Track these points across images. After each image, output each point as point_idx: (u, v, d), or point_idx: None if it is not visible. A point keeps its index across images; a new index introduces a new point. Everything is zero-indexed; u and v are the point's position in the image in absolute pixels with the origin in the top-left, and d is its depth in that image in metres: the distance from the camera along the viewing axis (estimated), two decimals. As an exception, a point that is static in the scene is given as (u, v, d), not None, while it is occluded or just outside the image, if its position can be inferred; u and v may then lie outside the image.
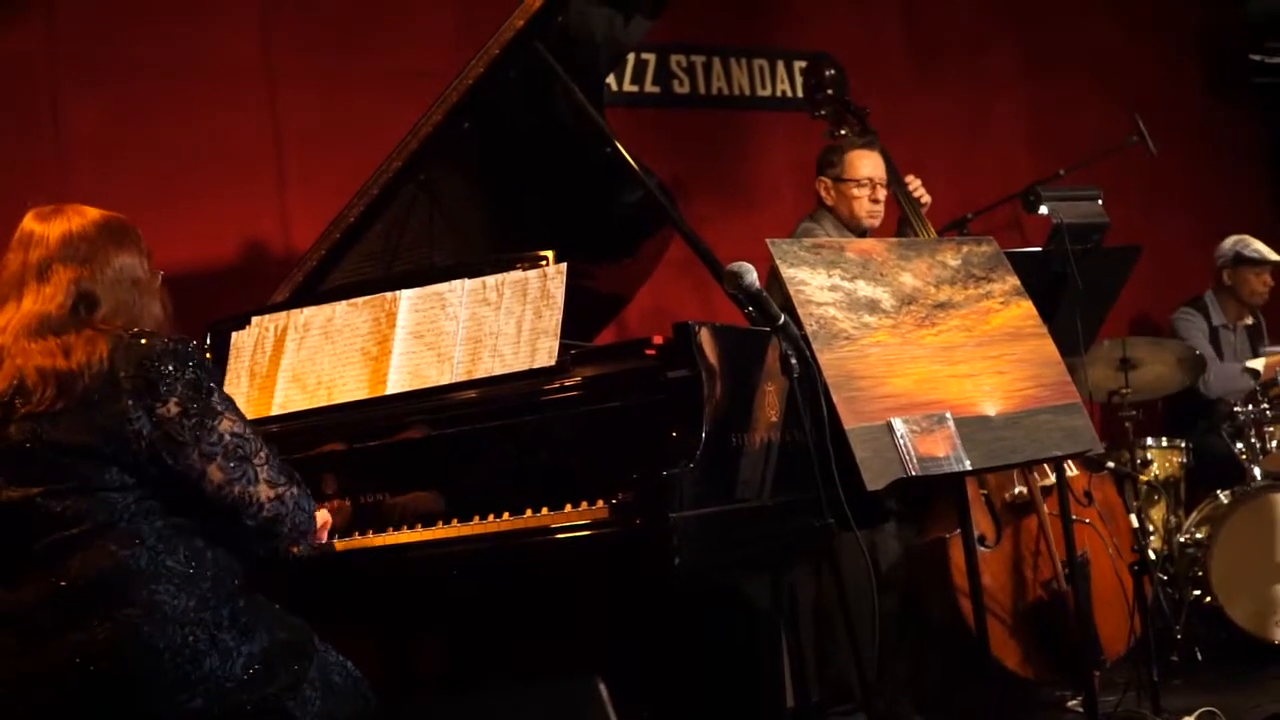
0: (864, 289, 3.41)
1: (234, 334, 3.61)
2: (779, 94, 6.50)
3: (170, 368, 2.67)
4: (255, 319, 3.62)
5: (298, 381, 3.49)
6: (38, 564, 2.64)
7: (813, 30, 6.55)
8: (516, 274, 3.42)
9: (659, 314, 5.35)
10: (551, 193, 4.02)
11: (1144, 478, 5.75)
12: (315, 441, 3.35)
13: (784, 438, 3.25)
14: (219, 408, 2.72)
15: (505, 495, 3.15)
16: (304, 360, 3.51)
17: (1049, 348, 3.58)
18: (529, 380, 3.27)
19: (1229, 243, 6.65)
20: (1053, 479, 4.69)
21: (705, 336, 3.08)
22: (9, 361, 2.69)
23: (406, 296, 3.48)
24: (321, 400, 3.45)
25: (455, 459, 3.28)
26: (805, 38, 6.47)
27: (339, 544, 3.19)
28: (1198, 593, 5.58)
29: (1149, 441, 5.93)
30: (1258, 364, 6.35)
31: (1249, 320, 6.77)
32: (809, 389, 3.06)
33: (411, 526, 3.20)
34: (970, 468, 3.29)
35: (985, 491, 4.74)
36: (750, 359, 3.23)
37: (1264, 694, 4.83)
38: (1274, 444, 5.83)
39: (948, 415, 3.30)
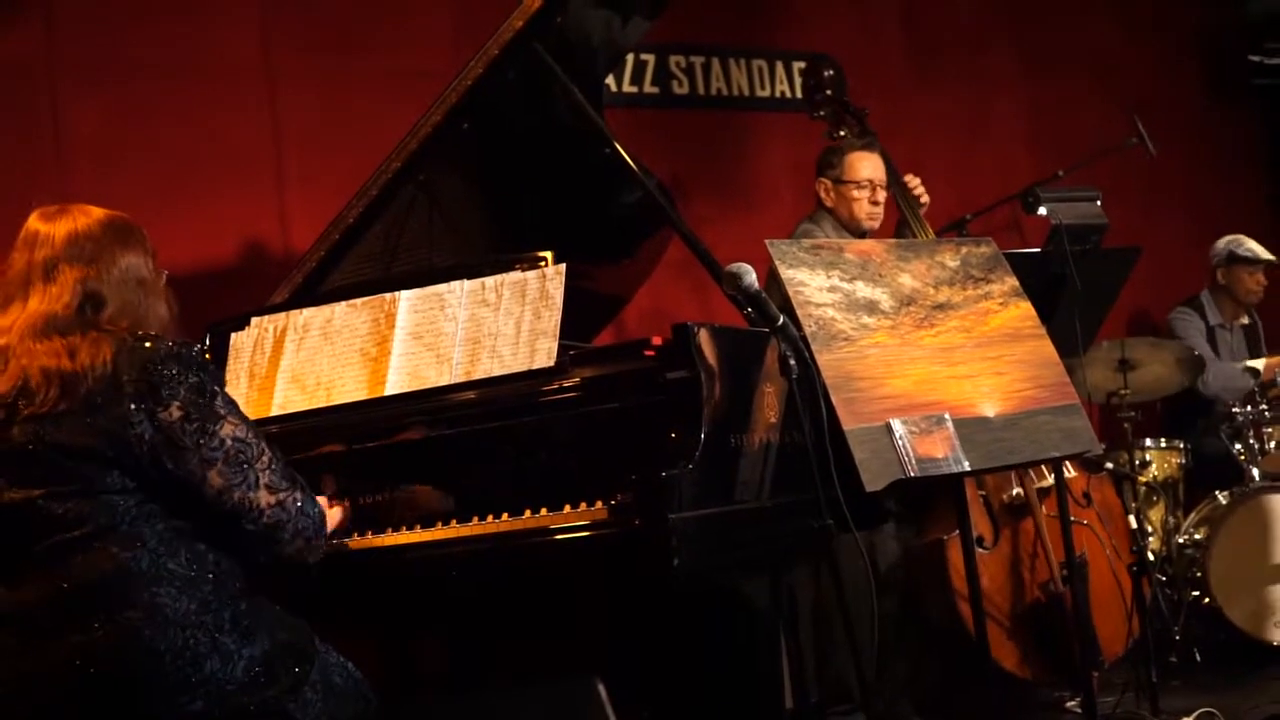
0: (863, 290, 3.41)
1: (233, 335, 3.61)
2: (778, 95, 6.50)
3: (173, 371, 2.67)
4: (254, 320, 3.62)
5: (297, 382, 3.49)
6: (39, 565, 2.64)
7: (812, 31, 6.55)
8: (515, 275, 3.42)
9: (658, 315, 5.35)
10: (550, 194, 4.03)
11: (1143, 479, 5.75)
12: (314, 442, 3.35)
13: (783, 439, 3.25)
14: (221, 412, 2.71)
15: (504, 496, 3.15)
16: (303, 361, 3.51)
17: (1048, 349, 3.58)
18: (528, 381, 3.27)
19: (1223, 242, 6.66)
20: (1051, 480, 4.70)
21: (704, 337, 3.08)
22: (14, 362, 2.69)
23: (405, 297, 3.48)
24: (321, 401, 3.45)
25: (454, 460, 3.28)
26: (804, 38, 6.47)
27: (338, 544, 3.18)
28: (1196, 593, 5.58)
29: (1148, 442, 5.93)
30: (1258, 363, 6.35)
31: (1245, 320, 6.77)
32: (808, 390, 3.07)
33: (410, 527, 3.20)
34: (969, 469, 3.29)
35: (984, 493, 4.75)
36: (749, 360, 3.23)
37: (1262, 694, 4.84)
38: (1272, 445, 5.83)
39: (946, 416, 3.30)
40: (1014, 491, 4.76)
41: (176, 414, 2.66)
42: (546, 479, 3.15)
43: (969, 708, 4.49)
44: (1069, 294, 4.17)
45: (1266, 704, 4.62)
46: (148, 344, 2.69)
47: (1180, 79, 7.77)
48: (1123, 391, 5.67)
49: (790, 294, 3.29)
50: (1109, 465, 5.20)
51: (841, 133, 5.07)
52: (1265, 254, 6.60)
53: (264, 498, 2.72)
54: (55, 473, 2.64)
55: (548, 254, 3.44)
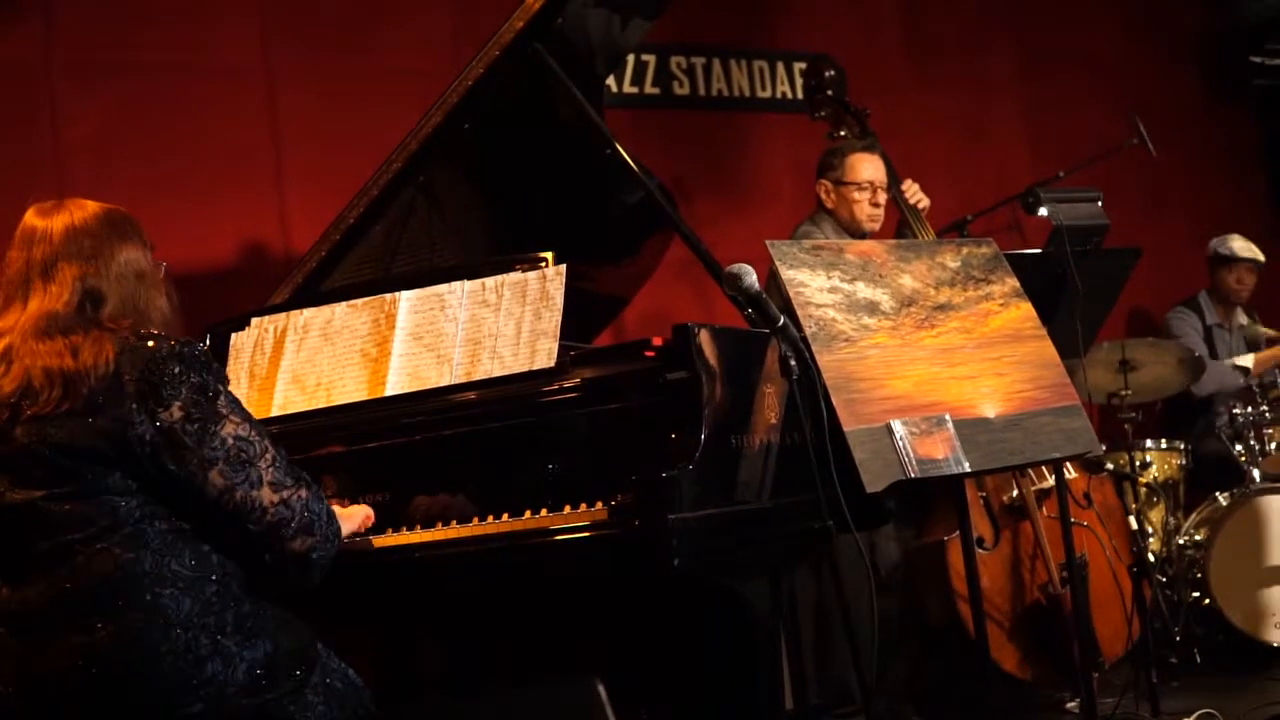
0: (863, 291, 3.41)
1: (233, 335, 3.61)
2: (779, 95, 6.50)
3: (175, 371, 2.66)
4: (255, 320, 3.62)
5: (297, 383, 3.49)
6: (42, 566, 2.64)
7: (812, 31, 6.55)
8: (516, 275, 3.41)
9: (658, 316, 5.35)
10: (551, 194, 4.03)
11: (1143, 480, 5.75)
12: (314, 443, 3.35)
13: (783, 439, 3.25)
14: (223, 411, 2.70)
15: (504, 497, 3.15)
16: (303, 361, 3.51)
17: (1048, 349, 3.58)
18: (528, 382, 3.27)
19: (1213, 242, 6.69)
20: (1051, 481, 4.70)
21: (705, 338, 3.08)
22: (18, 363, 2.68)
23: (406, 298, 3.48)
24: (321, 402, 3.45)
25: (454, 461, 3.27)
26: (805, 39, 6.47)
27: (360, 542, 3.17)
28: (1196, 594, 5.58)
29: (1148, 443, 5.93)
30: (1247, 360, 6.37)
31: (1243, 319, 6.78)
32: (808, 391, 3.06)
33: (410, 528, 3.20)
34: (969, 469, 3.29)
35: (984, 494, 4.75)
36: (750, 361, 3.23)
37: (1263, 696, 4.83)
38: (1273, 446, 5.83)
39: (947, 417, 3.30)
40: (1014, 493, 4.76)
41: (178, 414, 2.65)
42: (547, 479, 3.15)
43: (969, 708, 4.49)
44: (1070, 295, 4.17)
45: (1267, 705, 4.61)
46: (150, 343, 2.69)
47: (1180, 80, 7.77)
48: (1123, 392, 5.67)
49: (791, 295, 3.29)
50: (1109, 466, 5.20)
51: (842, 133, 5.07)
52: (1243, 252, 6.61)
53: (267, 495, 2.70)
54: (57, 473, 2.63)
55: (548, 254, 3.43)
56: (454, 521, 3.17)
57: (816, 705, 4.30)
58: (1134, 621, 4.68)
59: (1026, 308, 3.61)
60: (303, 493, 2.75)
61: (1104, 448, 5.28)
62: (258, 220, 5.16)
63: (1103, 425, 6.07)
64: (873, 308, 3.39)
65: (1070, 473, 4.79)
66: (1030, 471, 4.75)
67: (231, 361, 3.56)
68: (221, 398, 2.71)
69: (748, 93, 6.43)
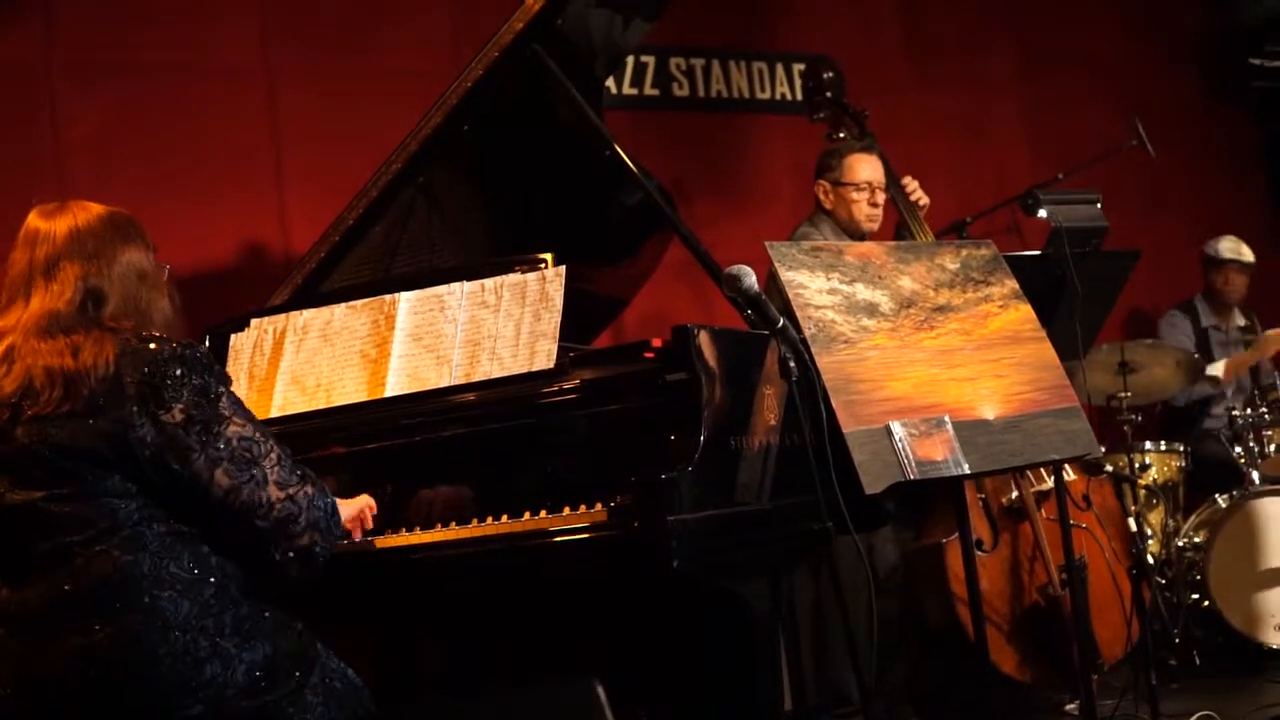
0: (863, 292, 3.41)
1: (233, 336, 3.61)
2: (778, 97, 6.50)
3: (177, 373, 2.66)
4: (254, 321, 3.62)
5: (297, 384, 3.49)
6: (41, 568, 2.64)
7: (811, 33, 6.55)
8: (515, 276, 3.41)
9: (657, 317, 5.35)
10: (550, 196, 4.03)
11: (1142, 482, 5.75)
12: (314, 444, 3.35)
13: (783, 441, 3.25)
14: (226, 413, 2.70)
15: (504, 498, 3.15)
16: (303, 362, 3.51)
17: (1048, 351, 3.58)
18: (528, 383, 3.27)
19: (1207, 244, 6.70)
20: (1050, 483, 4.70)
21: (704, 339, 3.08)
22: (19, 362, 2.68)
23: (405, 299, 3.48)
24: (320, 403, 3.45)
25: (454, 462, 3.27)
26: (804, 40, 6.48)
27: (362, 542, 3.17)
28: (1196, 596, 5.58)
29: (1147, 445, 5.93)
30: (1217, 369, 6.37)
31: (1241, 321, 6.78)
32: (808, 392, 3.06)
33: (410, 529, 3.20)
34: (969, 471, 3.29)
35: (983, 496, 4.75)
36: (749, 362, 3.23)
37: (1262, 697, 4.84)
38: (1272, 448, 5.83)
39: (946, 419, 3.29)
40: (1013, 495, 4.75)
41: (179, 416, 2.65)
42: (546, 481, 3.15)
43: (968, 710, 4.49)
44: (1069, 296, 4.17)
45: (1266, 707, 4.62)
46: (151, 345, 2.69)
47: (1180, 81, 7.77)
48: (1122, 394, 5.67)
49: (790, 296, 3.29)
50: (1109, 468, 5.20)
51: (841, 134, 5.07)
52: (1229, 253, 6.62)
53: (273, 493, 2.71)
54: (57, 475, 2.63)
55: (548, 256, 3.44)
56: (453, 523, 3.17)
57: (815, 706, 4.30)
58: (1133, 623, 4.68)
59: (1026, 309, 3.61)
60: (308, 489, 2.76)
61: (1103, 450, 5.28)
62: (257, 221, 5.16)
63: (1102, 427, 6.07)
64: (872, 309, 3.39)
65: (1069, 474, 4.79)
66: (1029, 473, 4.75)
67: (231, 362, 3.56)
68: (224, 399, 2.71)
69: (747, 94, 6.43)
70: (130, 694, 2.58)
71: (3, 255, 2.86)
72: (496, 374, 3.32)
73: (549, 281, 3.37)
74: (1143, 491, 5.73)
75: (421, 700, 3.66)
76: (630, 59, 5.97)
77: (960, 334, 3.48)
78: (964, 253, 3.67)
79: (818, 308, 3.31)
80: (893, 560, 4.63)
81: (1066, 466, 4.67)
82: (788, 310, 3.25)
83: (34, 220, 2.82)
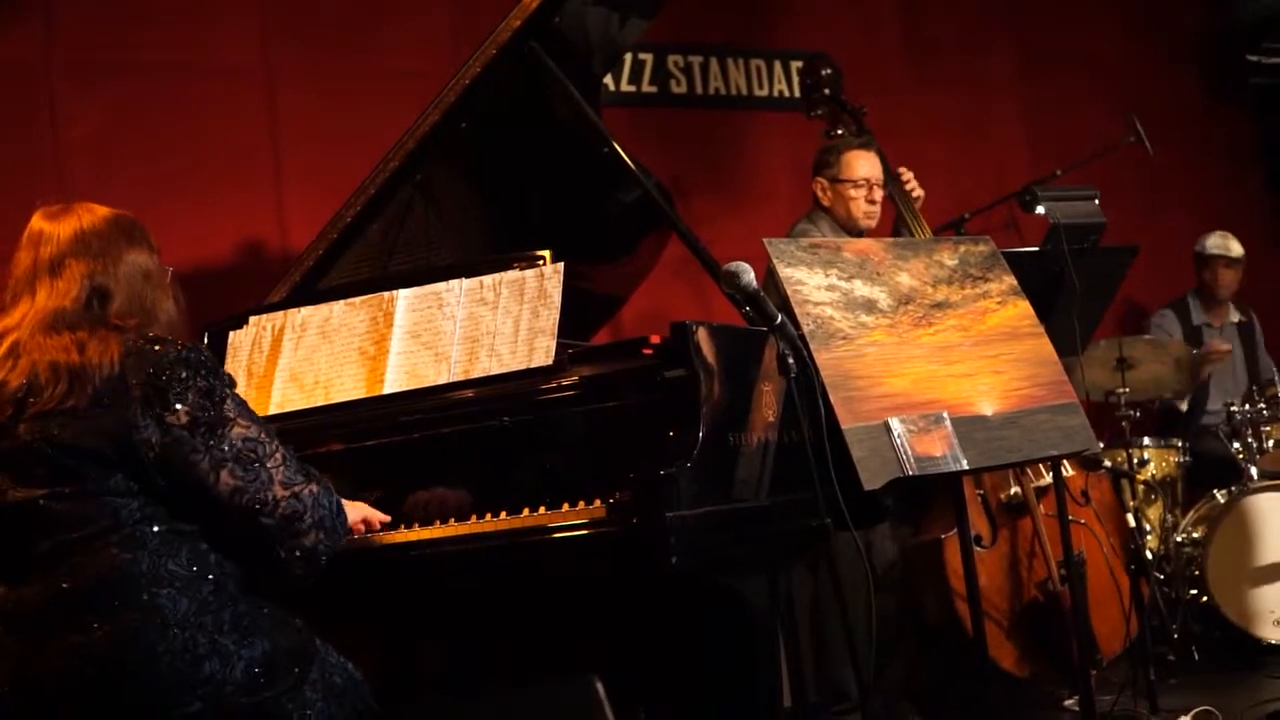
0: (861, 289, 3.42)
1: (231, 333, 3.61)
2: (776, 94, 6.51)
3: (182, 375, 2.67)
4: (253, 318, 3.62)
5: (295, 381, 3.49)
6: (41, 565, 2.64)
7: (810, 30, 6.56)
8: (514, 273, 3.42)
9: (656, 314, 5.35)
10: (548, 193, 4.03)
11: (1141, 477, 5.75)
12: (312, 441, 3.35)
13: (781, 437, 3.26)
14: (230, 415, 2.71)
15: (502, 495, 3.16)
16: (301, 360, 3.51)
17: (1046, 347, 3.58)
18: (526, 380, 3.27)
19: (1197, 240, 6.71)
20: (1048, 479, 4.70)
21: (703, 336, 3.08)
22: (25, 358, 2.69)
23: (404, 296, 3.49)
24: (319, 400, 3.45)
25: (452, 459, 3.28)
26: (802, 38, 6.48)
27: (362, 540, 3.17)
28: (1194, 592, 5.59)
29: (1146, 441, 5.94)
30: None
31: (1237, 318, 6.78)
32: (806, 389, 3.07)
33: (409, 526, 3.20)
34: (967, 467, 3.30)
35: (981, 492, 4.75)
36: (748, 359, 3.24)
37: (1260, 692, 4.84)
38: (1270, 443, 5.84)
39: (945, 415, 3.30)
40: (1012, 490, 4.76)
41: (184, 418, 2.66)
42: (545, 477, 3.15)
43: (967, 707, 4.49)
44: (1067, 293, 4.17)
45: (1264, 702, 4.62)
46: (156, 347, 2.69)
47: (1178, 79, 7.78)
48: (1121, 390, 5.68)
49: (788, 293, 3.29)
50: (1107, 464, 5.20)
51: (839, 132, 5.08)
52: (1215, 249, 6.62)
53: (278, 492, 2.71)
54: (59, 473, 2.64)
55: (546, 253, 3.44)
56: (452, 519, 3.18)
57: (814, 703, 4.30)
58: (1132, 619, 4.69)
59: (1024, 306, 3.62)
60: (313, 487, 2.77)
61: (1101, 445, 5.29)
62: (256, 219, 5.16)
63: (1100, 423, 6.08)
64: (870, 306, 3.40)
65: (1068, 470, 4.79)
66: (1028, 469, 4.75)
67: (229, 360, 3.57)
68: (228, 401, 2.72)
69: (745, 91, 6.44)
70: (129, 691, 2.58)
71: (2, 255, 2.86)
72: (495, 371, 3.32)
73: (547, 278, 3.37)
74: (1141, 487, 5.74)
75: (421, 698, 3.66)
76: (628, 56, 5.97)
77: (958, 330, 3.49)
78: (962, 249, 3.67)
79: (816, 304, 3.32)
80: (891, 556, 4.63)
81: (1065, 462, 4.68)
82: (786, 307, 3.25)
83: (38, 222, 2.82)
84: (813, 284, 3.35)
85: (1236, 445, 5.86)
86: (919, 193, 5.01)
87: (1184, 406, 6.44)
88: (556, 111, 3.87)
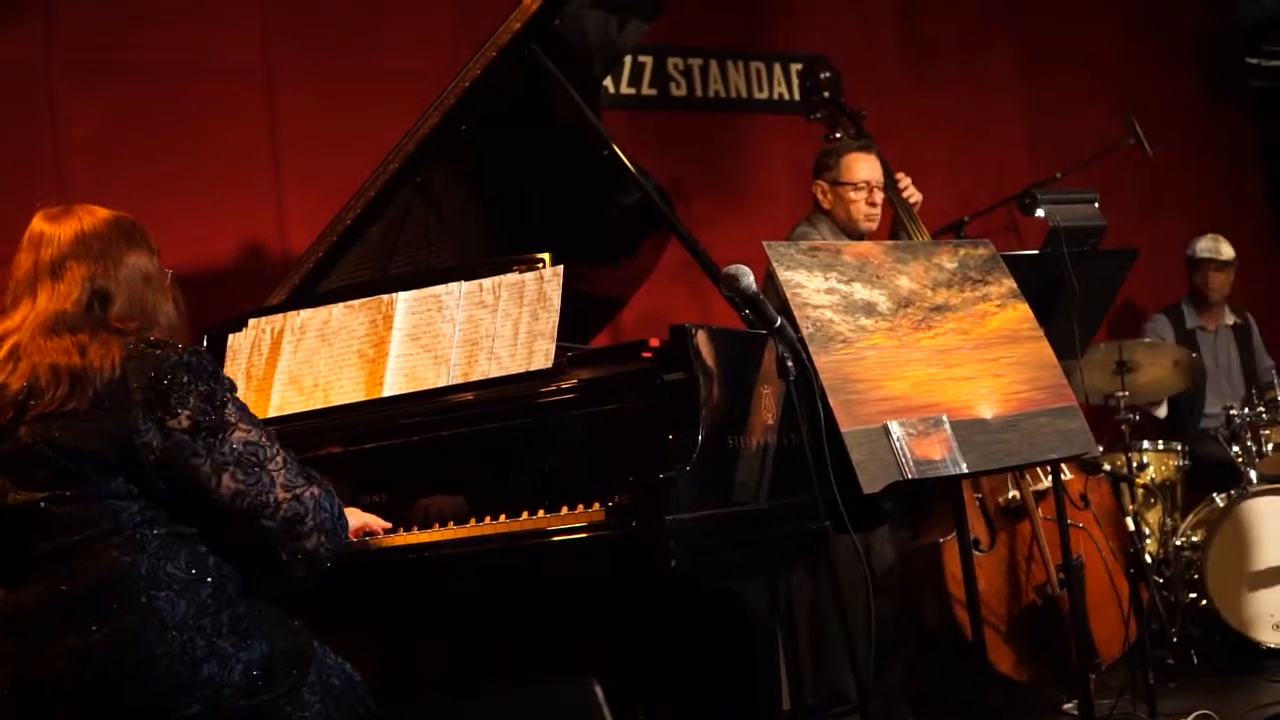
0: (860, 292, 3.41)
1: (230, 336, 3.61)
2: (775, 96, 6.51)
3: (184, 380, 2.67)
4: (252, 321, 3.62)
5: (295, 384, 3.49)
6: (40, 568, 2.64)
7: (809, 33, 6.55)
8: (513, 276, 3.42)
9: (655, 317, 5.35)
10: (548, 195, 4.03)
11: (1140, 481, 5.75)
12: (312, 444, 3.35)
13: (781, 440, 3.25)
14: (232, 420, 2.71)
15: (502, 498, 3.15)
16: (301, 362, 3.51)
17: (1046, 350, 3.58)
18: (525, 383, 3.27)
19: (1188, 243, 6.71)
20: (1047, 482, 4.70)
21: (702, 339, 3.08)
22: (25, 360, 2.69)
23: (403, 299, 3.48)
24: (318, 402, 3.45)
25: (452, 462, 3.28)
26: (802, 40, 6.48)
27: (360, 543, 3.17)
28: (1193, 595, 5.59)
29: (1145, 445, 5.94)
30: (1161, 411, 6.38)
31: (1232, 320, 6.77)
32: (805, 392, 3.07)
33: (408, 529, 3.20)
34: (966, 470, 3.30)
35: (980, 496, 4.75)
36: (747, 362, 3.23)
37: (1259, 696, 4.84)
38: (1270, 447, 5.84)
39: (944, 418, 3.30)
40: (1010, 494, 4.76)
41: (185, 422, 2.66)
42: (544, 481, 3.15)
43: (965, 710, 4.49)
44: (1067, 296, 4.17)
45: (1263, 706, 4.62)
46: (158, 351, 2.69)
47: (1177, 81, 7.78)
48: (1120, 394, 5.67)
49: (788, 296, 3.29)
50: (1106, 467, 5.20)
51: (838, 134, 5.08)
52: (1204, 252, 6.62)
53: (280, 494, 2.71)
54: (61, 476, 2.64)
55: (545, 255, 3.44)
56: (451, 522, 3.17)
57: (813, 706, 4.30)
58: (1131, 623, 4.69)
59: (1024, 309, 3.62)
60: (314, 490, 2.77)
61: (1101, 449, 5.28)
62: (256, 221, 5.16)
63: (1100, 427, 6.08)
64: (870, 309, 3.40)
65: (1067, 474, 4.79)
66: (1027, 472, 4.75)
67: (229, 362, 3.56)
68: (229, 405, 2.72)
69: (745, 94, 6.44)
70: (127, 694, 2.58)
71: (2, 256, 2.86)
72: (495, 374, 3.32)
73: (547, 281, 3.37)
74: (1140, 491, 5.73)
75: (421, 700, 3.66)
76: (628, 59, 5.97)
77: (958, 333, 3.49)
78: (962, 252, 3.67)
79: (815, 307, 3.31)
80: (890, 560, 4.63)
81: (1064, 466, 4.68)
82: (785, 310, 3.25)
83: (39, 223, 2.82)
84: (812, 287, 3.35)
85: (1236, 449, 5.86)
86: (917, 197, 5.01)
87: (1161, 412, 6.42)
88: (556, 114, 3.87)
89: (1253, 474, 5.77)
